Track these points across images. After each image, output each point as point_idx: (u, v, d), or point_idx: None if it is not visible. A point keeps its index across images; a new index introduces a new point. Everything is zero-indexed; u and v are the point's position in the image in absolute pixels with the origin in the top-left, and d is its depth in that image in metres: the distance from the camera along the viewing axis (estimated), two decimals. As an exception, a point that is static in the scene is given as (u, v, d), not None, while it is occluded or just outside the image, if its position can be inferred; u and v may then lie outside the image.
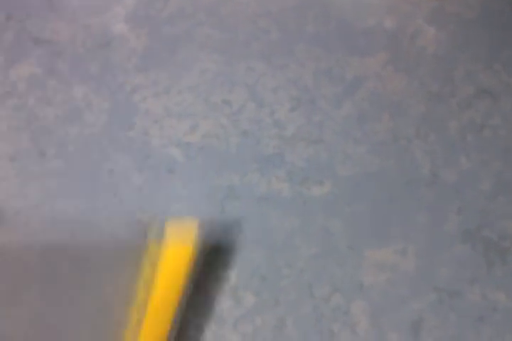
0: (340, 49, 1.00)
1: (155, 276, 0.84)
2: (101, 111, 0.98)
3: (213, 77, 0.99)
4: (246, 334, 0.88)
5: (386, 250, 0.91)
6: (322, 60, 1.00)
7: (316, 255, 0.91)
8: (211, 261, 0.88)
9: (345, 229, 0.92)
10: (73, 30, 1.02)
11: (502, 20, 1.01)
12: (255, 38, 1.01)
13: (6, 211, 0.93)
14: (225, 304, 0.89)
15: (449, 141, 0.95)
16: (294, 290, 0.89)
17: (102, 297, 0.84)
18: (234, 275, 0.90)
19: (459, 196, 0.92)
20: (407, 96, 0.98)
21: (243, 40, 1.01)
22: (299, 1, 1.03)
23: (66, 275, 0.85)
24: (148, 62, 1.01)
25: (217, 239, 0.90)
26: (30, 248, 0.86)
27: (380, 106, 0.97)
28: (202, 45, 1.01)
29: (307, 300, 0.89)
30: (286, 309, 0.89)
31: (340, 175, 0.94)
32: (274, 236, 0.92)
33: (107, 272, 0.85)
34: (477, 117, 0.96)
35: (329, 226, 0.92)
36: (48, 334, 0.82)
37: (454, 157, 0.94)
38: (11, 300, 0.84)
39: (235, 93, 0.99)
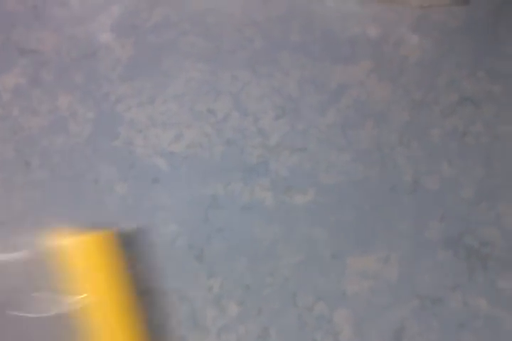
0: (325, 57, 1.00)
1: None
2: (86, 121, 0.98)
3: (198, 86, 1.00)
4: (230, 343, 0.88)
5: (369, 258, 0.91)
6: (306, 69, 1.00)
7: (299, 263, 0.91)
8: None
9: (328, 237, 0.92)
10: (58, 40, 1.03)
11: (485, 28, 1.01)
12: (240, 47, 1.01)
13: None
14: (208, 313, 0.89)
15: (431, 148, 0.95)
16: (277, 299, 0.89)
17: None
18: (217, 285, 0.90)
19: (441, 203, 0.93)
20: (391, 104, 0.98)
21: (228, 49, 1.01)
22: (283, 10, 1.03)
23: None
24: (133, 71, 1.01)
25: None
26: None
27: (363, 114, 0.97)
28: (187, 54, 1.01)
29: (291, 308, 0.89)
30: (270, 318, 0.89)
31: (323, 183, 0.94)
32: (258, 244, 0.92)
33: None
34: (460, 124, 0.96)
35: (312, 235, 0.92)
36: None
37: (436, 164, 0.94)
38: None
39: (219, 102, 0.99)
